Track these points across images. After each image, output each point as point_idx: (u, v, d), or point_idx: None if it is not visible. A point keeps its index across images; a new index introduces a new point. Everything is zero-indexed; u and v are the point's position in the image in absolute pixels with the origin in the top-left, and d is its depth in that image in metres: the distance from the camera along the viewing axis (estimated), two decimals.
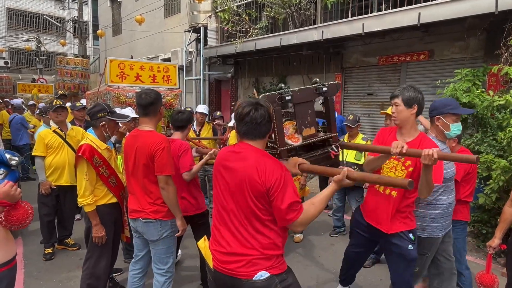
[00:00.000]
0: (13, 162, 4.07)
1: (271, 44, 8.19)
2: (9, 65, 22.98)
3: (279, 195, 1.78)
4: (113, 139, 3.48)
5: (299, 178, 4.68)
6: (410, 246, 2.52)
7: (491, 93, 4.73)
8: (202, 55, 10.76)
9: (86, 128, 4.56)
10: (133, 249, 3.01)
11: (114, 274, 3.65)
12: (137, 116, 3.83)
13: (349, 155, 4.63)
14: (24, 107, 9.48)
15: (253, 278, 1.83)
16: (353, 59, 7.78)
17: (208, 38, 10.36)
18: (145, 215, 2.69)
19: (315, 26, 7.31)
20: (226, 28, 9.47)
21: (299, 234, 4.85)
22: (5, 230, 1.95)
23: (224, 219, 1.95)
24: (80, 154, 2.92)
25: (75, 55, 19.29)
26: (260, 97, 2.18)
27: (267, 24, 8.79)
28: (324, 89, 2.54)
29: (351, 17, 6.73)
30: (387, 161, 2.60)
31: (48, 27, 25.95)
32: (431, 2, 5.38)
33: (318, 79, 2.62)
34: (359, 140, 4.54)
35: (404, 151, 2.09)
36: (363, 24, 6.25)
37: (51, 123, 4.30)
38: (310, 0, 7.55)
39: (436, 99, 2.89)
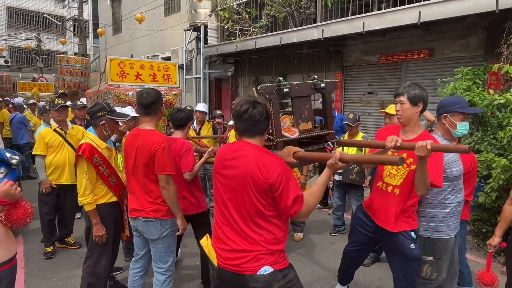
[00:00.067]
0: (14, 161, 4.08)
1: (271, 42, 8.19)
2: (9, 64, 23.00)
3: (284, 191, 1.82)
4: (113, 138, 3.48)
5: (299, 177, 4.69)
6: (412, 245, 2.52)
7: (492, 91, 4.73)
8: (202, 54, 10.75)
9: (86, 127, 4.57)
10: (134, 248, 3.01)
11: (115, 273, 3.65)
12: (137, 115, 3.84)
13: (348, 153, 4.64)
14: (24, 106, 9.48)
15: (257, 273, 1.85)
16: (354, 57, 7.77)
17: (208, 37, 10.35)
18: (145, 214, 2.70)
19: (315, 24, 7.30)
20: (226, 27, 9.47)
21: (299, 233, 4.86)
22: (5, 229, 1.96)
23: (226, 217, 1.96)
24: (80, 153, 2.92)
25: (75, 54, 19.25)
26: (258, 88, 2.24)
27: (267, 23, 8.79)
28: (322, 85, 2.58)
29: (352, 15, 6.72)
30: None
31: (48, 25, 25.95)
32: (431, 1, 5.36)
33: (316, 76, 2.65)
34: (359, 138, 4.54)
35: (398, 144, 2.08)
36: (363, 22, 6.24)
37: (52, 122, 4.30)
38: None
39: (445, 97, 2.87)
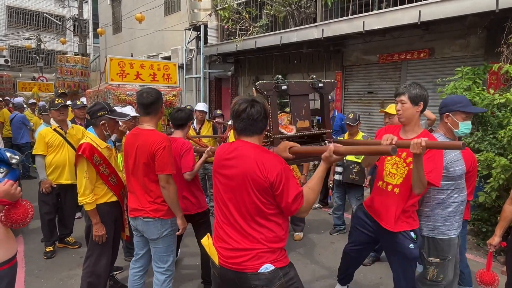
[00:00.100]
0: (14, 161, 4.10)
1: (272, 42, 8.18)
2: (9, 64, 22.99)
3: (284, 189, 1.84)
4: (113, 137, 3.48)
5: (299, 177, 4.69)
6: (411, 245, 2.52)
7: (492, 91, 4.72)
8: (202, 53, 10.75)
9: (86, 127, 4.57)
10: (134, 248, 3.02)
11: (115, 272, 3.65)
12: (137, 114, 3.84)
13: None
14: (24, 105, 9.49)
15: (258, 271, 1.86)
16: (354, 57, 7.77)
17: (208, 36, 10.35)
18: (145, 214, 2.70)
19: (315, 24, 7.30)
20: (226, 26, 9.46)
21: (299, 233, 4.86)
22: (5, 229, 1.96)
23: (227, 216, 1.97)
24: (80, 153, 2.92)
25: (75, 53, 19.27)
26: (257, 84, 2.28)
27: (267, 22, 8.78)
28: (320, 84, 2.61)
29: (352, 15, 6.72)
30: (389, 158, 2.60)
31: (48, 25, 25.94)
32: (431, 0, 5.36)
33: (314, 76, 2.69)
34: (360, 138, 4.54)
35: (393, 142, 2.08)
36: (363, 22, 6.24)
37: (52, 121, 4.30)
38: None
39: (448, 96, 2.87)
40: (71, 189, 4.11)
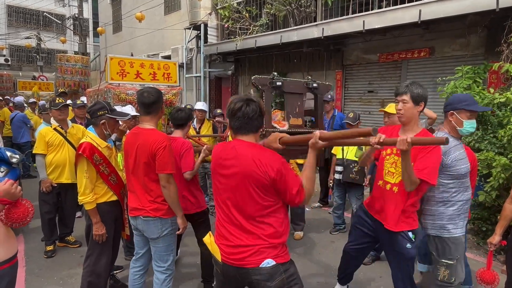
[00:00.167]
0: (14, 160, 4.10)
1: (272, 41, 8.18)
2: (9, 63, 22.99)
3: (287, 184, 1.88)
4: (113, 137, 3.48)
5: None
6: (408, 245, 2.54)
7: (492, 90, 4.72)
8: (203, 53, 10.75)
9: (86, 126, 4.57)
10: (134, 247, 3.02)
11: (115, 272, 3.66)
12: (137, 114, 3.84)
13: (349, 153, 4.65)
14: (25, 104, 9.49)
15: (260, 266, 1.89)
16: (354, 56, 7.76)
17: (208, 35, 10.35)
18: (146, 213, 2.70)
19: (315, 23, 7.30)
20: (226, 25, 9.46)
21: (299, 232, 4.86)
22: (6, 228, 1.96)
23: (227, 215, 1.99)
24: (80, 152, 2.92)
25: (75, 53, 19.26)
26: (252, 78, 2.36)
27: (268, 21, 8.78)
28: (314, 85, 2.67)
29: (352, 14, 6.72)
30: (388, 157, 2.61)
31: (48, 24, 25.95)
32: None
33: (310, 77, 2.76)
34: None
35: (381, 140, 2.11)
36: (363, 21, 6.24)
37: (52, 120, 4.30)
38: None
39: (454, 94, 2.87)
40: (71, 188, 4.10)
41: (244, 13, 9.04)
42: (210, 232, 2.17)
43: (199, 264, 3.56)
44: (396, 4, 5.94)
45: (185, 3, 11.35)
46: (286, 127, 2.53)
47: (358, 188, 4.69)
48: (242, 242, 1.92)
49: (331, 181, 5.01)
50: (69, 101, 6.16)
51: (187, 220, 2.97)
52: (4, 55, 23.17)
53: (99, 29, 15.39)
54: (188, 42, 11.48)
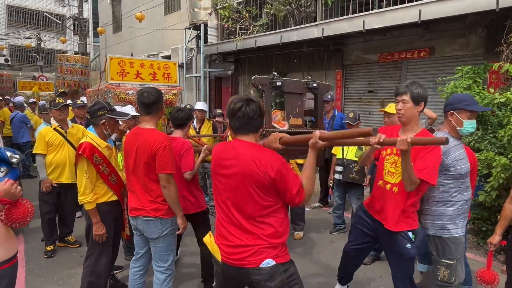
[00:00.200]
0: (14, 160, 4.10)
1: (272, 41, 8.18)
2: (9, 63, 23.00)
3: (287, 184, 1.88)
4: (113, 137, 3.48)
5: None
6: (408, 245, 2.54)
7: (492, 90, 4.72)
8: (203, 53, 10.75)
9: (86, 126, 4.57)
10: (134, 247, 3.02)
11: (115, 272, 3.66)
12: (137, 114, 3.84)
13: (349, 153, 4.65)
14: (25, 104, 9.49)
15: (260, 266, 1.89)
16: (354, 56, 7.76)
17: (208, 35, 10.34)
18: (146, 213, 2.70)
19: (315, 23, 7.30)
20: (226, 25, 9.46)
21: (299, 232, 4.86)
22: (6, 228, 1.96)
23: (227, 215, 1.99)
24: (80, 152, 2.92)
25: (75, 53, 19.27)
26: (252, 78, 2.37)
27: (268, 21, 8.78)
28: (314, 85, 2.68)
29: (352, 14, 6.72)
30: (388, 157, 2.61)
31: (48, 24, 25.96)
32: None
33: (309, 77, 2.76)
34: None
35: (381, 140, 2.11)
36: (363, 21, 6.24)
37: (52, 120, 4.30)
38: None
39: (454, 94, 2.87)
40: (72, 188, 4.10)
41: (244, 13, 9.04)
42: (210, 232, 2.17)
43: (199, 264, 3.56)
44: (396, 4, 5.94)
45: (185, 3, 11.35)
46: (286, 127, 2.54)
47: (358, 188, 4.69)
48: (242, 242, 1.92)
49: (331, 181, 5.01)
50: (69, 101, 6.16)
51: (187, 220, 2.98)
52: (4, 55, 23.18)
53: (99, 29, 15.40)
54: (188, 42, 11.49)
